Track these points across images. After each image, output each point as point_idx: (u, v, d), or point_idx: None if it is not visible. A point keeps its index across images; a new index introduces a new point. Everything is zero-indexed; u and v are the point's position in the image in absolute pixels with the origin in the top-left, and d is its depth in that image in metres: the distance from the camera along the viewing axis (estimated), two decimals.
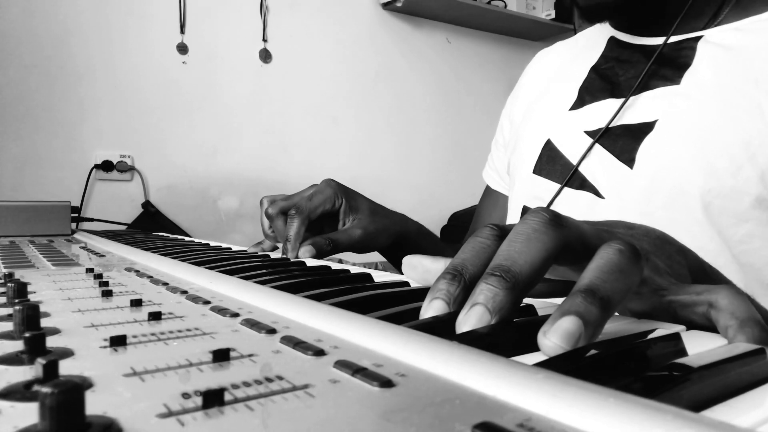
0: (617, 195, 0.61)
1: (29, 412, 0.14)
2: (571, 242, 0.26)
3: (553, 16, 2.36)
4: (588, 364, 0.20)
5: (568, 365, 0.20)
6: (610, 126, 0.63)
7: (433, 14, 2.23)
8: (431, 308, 0.25)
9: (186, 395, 0.15)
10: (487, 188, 0.89)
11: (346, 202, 0.71)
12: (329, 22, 2.04)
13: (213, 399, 0.15)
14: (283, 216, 0.67)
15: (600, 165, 0.63)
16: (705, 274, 0.36)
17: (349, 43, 2.09)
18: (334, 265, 0.50)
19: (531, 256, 0.24)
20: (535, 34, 2.47)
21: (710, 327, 0.26)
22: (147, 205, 1.72)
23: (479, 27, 2.38)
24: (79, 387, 0.13)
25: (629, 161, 0.60)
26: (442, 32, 2.32)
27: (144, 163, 1.73)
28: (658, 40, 0.64)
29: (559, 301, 0.37)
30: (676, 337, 0.23)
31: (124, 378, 0.17)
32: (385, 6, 2.13)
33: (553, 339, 0.21)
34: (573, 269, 0.28)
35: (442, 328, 0.24)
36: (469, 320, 0.23)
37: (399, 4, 2.07)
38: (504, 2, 2.26)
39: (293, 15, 1.96)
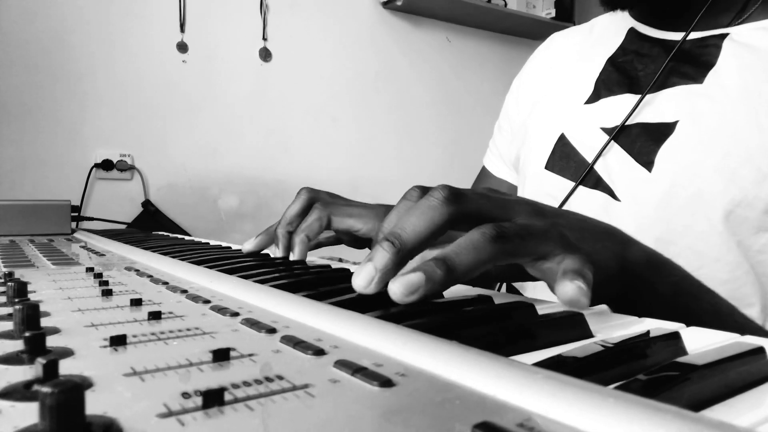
0: (633, 198, 0.58)
1: (29, 412, 0.14)
2: (468, 215, 0.31)
3: (553, 14, 2.36)
4: (588, 364, 0.20)
5: (567, 364, 0.20)
6: (627, 124, 0.60)
7: (433, 13, 2.23)
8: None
9: (186, 395, 0.15)
10: (484, 172, 0.84)
11: None
12: (329, 21, 2.04)
13: (213, 399, 0.15)
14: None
15: (617, 165, 0.60)
16: (650, 266, 0.37)
17: (349, 42, 2.09)
18: (334, 265, 0.50)
19: (419, 227, 0.30)
20: (536, 33, 2.46)
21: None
22: (147, 204, 1.72)
23: (479, 26, 2.38)
24: (79, 387, 0.13)
25: (648, 164, 0.57)
26: (442, 31, 2.31)
27: (144, 162, 1.73)
28: (681, 35, 0.61)
29: (552, 298, 0.38)
30: (676, 336, 0.23)
31: (124, 378, 0.17)
32: (385, 5, 2.13)
33: (398, 286, 0.27)
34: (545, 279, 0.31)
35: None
36: (359, 275, 0.29)
37: (399, 3, 2.07)
38: (504, 1, 2.26)
39: (293, 14, 1.96)
